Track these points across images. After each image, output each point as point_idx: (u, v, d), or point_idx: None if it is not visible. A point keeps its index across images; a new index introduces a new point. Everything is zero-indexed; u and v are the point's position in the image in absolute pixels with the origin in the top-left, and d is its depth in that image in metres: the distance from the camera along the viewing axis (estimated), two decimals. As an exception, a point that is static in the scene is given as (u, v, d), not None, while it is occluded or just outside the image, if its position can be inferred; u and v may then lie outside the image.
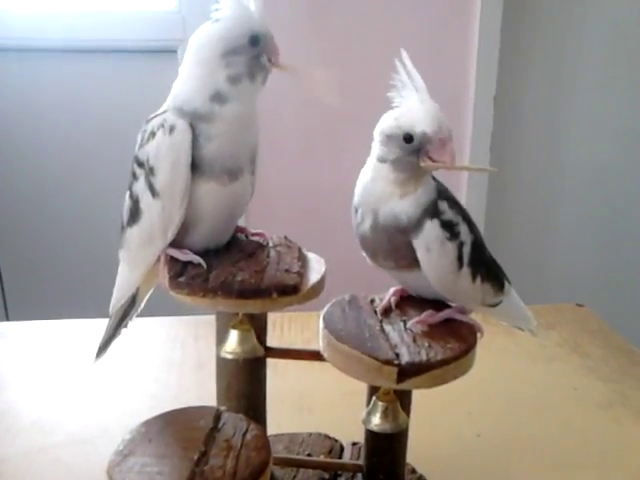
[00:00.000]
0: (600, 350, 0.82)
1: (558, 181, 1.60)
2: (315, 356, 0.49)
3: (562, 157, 1.59)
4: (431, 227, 0.44)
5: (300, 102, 1.32)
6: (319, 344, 0.46)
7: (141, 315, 0.57)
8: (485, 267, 0.47)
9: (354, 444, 0.59)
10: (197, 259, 0.47)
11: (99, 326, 0.56)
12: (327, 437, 0.61)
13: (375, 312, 0.47)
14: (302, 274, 0.47)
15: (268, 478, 0.42)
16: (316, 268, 0.50)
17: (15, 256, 1.49)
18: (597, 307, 0.94)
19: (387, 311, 0.47)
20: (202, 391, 0.69)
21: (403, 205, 0.44)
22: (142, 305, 0.56)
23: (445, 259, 0.44)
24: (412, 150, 0.43)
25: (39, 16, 1.34)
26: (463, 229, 0.45)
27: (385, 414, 0.47)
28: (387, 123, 0.44)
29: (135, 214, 0.48)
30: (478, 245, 0.46)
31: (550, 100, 1.55)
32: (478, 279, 0.46)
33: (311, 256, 0.52)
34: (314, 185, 1.43)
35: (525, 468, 0.61)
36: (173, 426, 0.45)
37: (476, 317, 0.48)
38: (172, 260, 0.48)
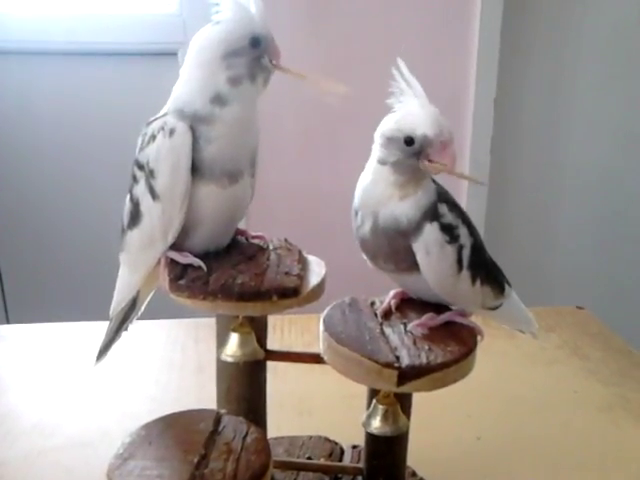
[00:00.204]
0: (600, 353, 0.82)
1: (558, 183, 1.61)
2: (315, 359, 0.49)
3: (562, 159, 1.59)
4: (431, 230, 0.44)
5: (300, 104, 1.32)
6: (319, 347, 0.46)
7: (141, 318, 0.57)
8: (485, 270, 0.47)
9: (354, 447, 0.59)
10: (197, 262, 0.47)
11: (99, 329, 0.56)
12: (327, 440, 0.61)
13: (375, 315, 0.47)
14: (302, 277, 0.47)
15: (268, 481, 0.42)
16: (316, 271, 0.50)
17: (15, 259, 1.49)
18: (597, 309, 0.94)
19: (387, 314, 0.47)
20: (202, 394, 0.69)
21: (403, 208, 0.44)
22: (142, 308, 0.56)
23: (444, 262, 0.44)
24: (413, 152, 0.43)
25: (40, 19, 1.34)
26: (463, 232, 0.45)
27: (385, 417, 0.47)
28: (388, 126, 0.44)
29: (135, 217, 0.48)
30: (478, 248, 0.46)
31: (550, 102, 1.55)
32: (478, 282, 0.46)
33: (311, 259, 0.52)
34: (314, 188, 1.43)
35: (525, 471, 0.61)
36: (173, 429, 0.45)
37: (476, 320, 0.48)
38: (172, 263, 0.48)
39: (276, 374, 0.68)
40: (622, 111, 1.55)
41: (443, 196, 0.46)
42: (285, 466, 0.55)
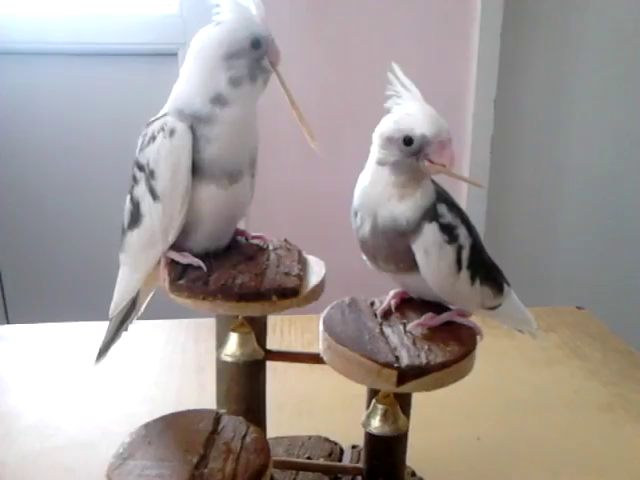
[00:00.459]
0: (600, 353, 0.82)
1: (558, 184, 1.61)
2: (315, 359, 0.49)
3: (562, 160, 1.59)
4: (430, 230, 0.44)
5: (300, 104, 1.32)
6: (319, 347, 0.46)
7: (141, 318, 0.57)
8: (484, 270, 0.47)
9: (354, 447, 0.59)
10: (197, 262, 0.47)
11: (99, 329, 0.56)
12: (327, 440, 0.61)
13: (375, 315, 0.47)
14: (302, 277, 0.48)
15: (268, 481, 0.42)
16: (316, 271, 0.50)
17: (15, 259, 1.49)
18: (597, 310, 0.94)
19: (387, 314, 0.48)
20: (202, 394, 0.69)
21: (402, 208, 0.44)
22: (142, 308, 0.56)
23: (444, 262, 0.44)
24: (411, 152, 0.43)
25: (40, 20, 1.35)
26: (462, 232, 0.45)
27: (385, 417, 0.47)
28: (387, 126, 0.44)
29: (136, 217, 0.49)
30: (477, 248, 0.46)
31: (550, 102, 1.55)
32: (477, 282, 0.46)
33: (311, 259, 0.52)
34: (314, 188, 1.43)
35: (525, 471, 0.61)
36: (173, 429, 0.45)
37: (476, 320, 0.48)
38: (172, 263, 0.48)
39: (276, 374, 0.68)
40: (622, 111, 1.55)
41: (442, 196, 0.46)
42: (285, 466, 0.55)
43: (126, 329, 0.56)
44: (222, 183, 0.47)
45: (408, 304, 0.49)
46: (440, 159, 0.42)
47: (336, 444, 0.61)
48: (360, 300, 0.50)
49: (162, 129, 0.46)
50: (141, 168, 0.47)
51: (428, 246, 0.44)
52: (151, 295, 0.56)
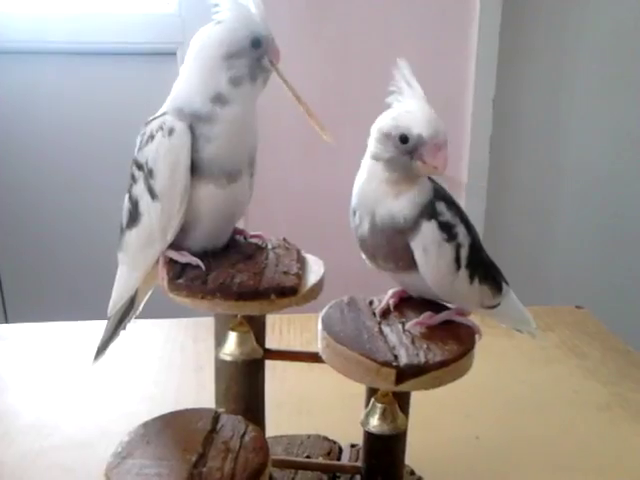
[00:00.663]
0: (599, 352, 0.82)
1: (557, 183, 1.61)
2: (314, 358, 0.49)
3: (561, 159, 1.59)
4: (428, 228, 0.44)
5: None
6: (318, 346, 0.46)
7: (140, 317, 0.57)
8: (483, 269, 0.47)
9: (353, 446, 0.59)
10: (196, 261, 0.47)
11: (98, 328, 0.56)
12: (326, 439, 0.61)
13: (374, 314, 0.47)
14: (300, 276, 0.48)
15: (267, 480, 0.42)
16: (315, 270, 0.50)
17: (14, 258, 1.49)
18: (596, 309, 0.94)
19: (386, 313, 0.48)
20: (201, 393, 0.69)
21: (399, 205, 0.44)
22: (141, 307, 0.56)
23: (442, 261, 0.44)
24: (406, 151, 0.43)
25: (39, 19, 1.34)
26: (461, 231, 0.45)
27: (384, 416, 0.47)
28: (385, 121, 0.44)
29: (134, 216, 0.49)
30: (476, 247, 0.46)
31: (549, 102, 1.55)
32: (476, 281, 0.46)
33: (310, 258, 0.52)
34: (313, 187, 1.43)
35: (524, 470, 0.61)
36: (171, 428, 0.45)
37: (475, 319, 0.48)
38: (171, 262, 0.48)
39: (275, 373, 0.68)
40: (621, 111, 1.55)
41: (440, 194, 0.46)
42: (283, 465, 0.55)
43: (124, 328, 0.56)
44: (221, 182, 0.47)
45: (407, 303, 0.49)
46: (433, 161, 0.42)
47: (335, 443, 0.61)
48: (359, 299, 0.50)
49: (161, 128, 0.46)
50: (140, 167, 0.47)
51: (427, 244, 0.44)
52: (149, 294, 0.56)
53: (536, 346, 0.82)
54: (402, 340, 0.44)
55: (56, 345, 0.83)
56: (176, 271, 0.47)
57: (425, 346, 0.43)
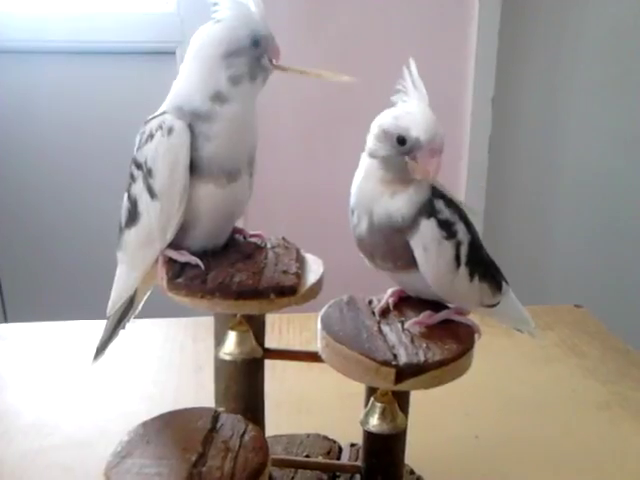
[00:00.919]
0: (598, 351, 0.82)
1: (556, 182, 1.61)
2: (313, 357, 0.49)
3: (560, 158, 1.59)
4: (428, 226, 0.44)
5: (299, 103, 1.32)
6: (317, 345, 0.46)
7: (139, 317, 0.57)
8: (483, 267, 0.47)
9: (352, 445, 0.59)
10: (195, 260, 0.47)
11: (98, 328, 0.56)
12: (325, 438, 0.61)
13: (373, 313, 0.47)
14: (300, 275, 0.47)
15: (266, 479, 0.42)
16: (314, 269, 0.50)
17: (13, 258, 1.49)
18: (595, 308, 0.94)
19: (385, 312, 0.48)
20: (200, 393, 0.69)
21: (397, 204, 0.44)
22: (140, 307, 0.56)
23: (442, 259, 0.44)
24: (402, 152, 0.43)
25: (39, 18, 1.34)
26: (460, 228, 0.45)
27: (383, 415, 0.47)
28: (386, 119, 0.44)
29: (133, 216, 0.48)
30: (475, 245, 0.46)
31: (548, 101, 1.55)
32: (476, 279, 0.46)
33: (309, 257, 0.52)
34: (312, 187, 1.43)
35: (523, 469, 0.61)
36: (171, 427, 0.45)
37: (474, 318, 0.48)
38: (170, 261, 0.48)
39: (274, 372, 0.68)
40: (619, 110, 1.55)
41: (438, 192, 0.46)
42: (283, 464, 0.55)
43: (124, 327, 0.56)
44: (220, 182, 0.47)
45: (406, 302, 0.49)
46: (426, 166, 0.42)
47: (335, 442, 0.61)
48: (358, 298, 0.50)
49: (160, 127, 0.46)
50: (139, 166, 0.47)
51: (427, 242, 0.44)
52: (148, 293, 0.56)
53: (535, 345, 0.82)
54: (401, 339, 0.44)
55: (56, 345, 0.83)
56: (175, 270, 0.47)
57: (424, 345, 0.43)
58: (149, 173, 0.46)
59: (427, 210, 0.44)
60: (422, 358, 0.41)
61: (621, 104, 1.55)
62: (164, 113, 0.47)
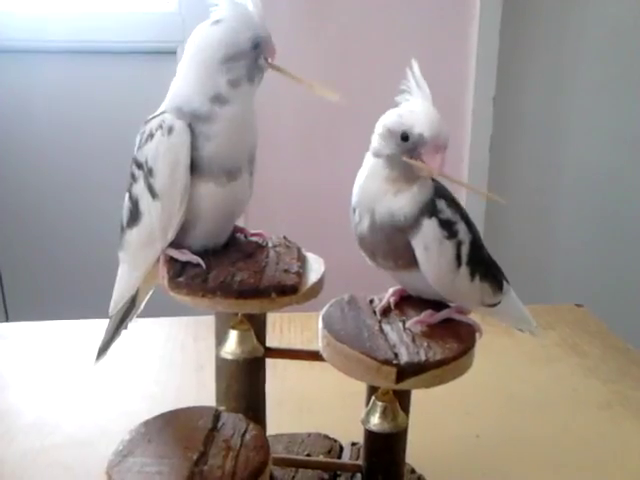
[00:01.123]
0: (599, 350, 0.82)
1: (557, 182, 1.61)
2: (314, 356, 0.49)
3: (562, 158, 1.59)
4: (429, 226, 0.44)
5: (299, 102, 1.32)
6: (318, 344, 0.46)
7: (141, 316, 0.57)
8: (484, 267, 0.47)
9: (353, 444, 0.59)
10: (196, 259, 0.47)
11: (99, 327, 0.56)
12: (326, 437, 0.61)
13: (374, 312, 0.47)
14: (301, 274, 0.48)
15: (267, 478, 0.42)
16: (315, 268, 0.50)
17: (15, 257, 1.49)
18: (596, 307, 0.94)
19: (386, 311, 0.48)
20: (202, 392, 0.69)
21: (399, 203, 0.44)
22: (142, 306, 0.56)
23: (443, 258, 0.44)
24: (406, 149, 0.43)
25: (39, 18, 1.34)
26: (461, 228, 0.45)
27: (384, 414, 0.47)
28: (390, 118, 0.44)
29: (135, 215, 0.48)
30: (476, 244, 0.46)
31: (550, 101, 1.55)
32: (477, 278, 0.46)
33: (310, 256, 0.52)
34: (313, 185, 1.43)
35: (524, 468, 0.61)
36: (172, 426, 0.45)
37: (475, 317, 0.48)
38: (171, 260, 0.48)
39: (275, 371, 0.68)
40: (621, 109, 1.55)
41: (441, 192, 0.46)
42: (284, 463, 0.55)
43: (126, 327, 0.56)
44: (221, 181, 0.47)
45: (407, 301, 0.49)
46: (430, 162, 0.43)
47: (335, 441, 0.61)
48: (359, 298, 0.50)
49: (160, 127, 0.46)
50: (139, 166, 0.47)
51: (428, 242, 0.44)
52: (150, 293, 0.56)
53: (536, 344, 0.82)
54: (402, 338, 0.44)
55: (57, 344, 0.83)
56: (176, 269, 0.47)
57: (425, 344, 0.43)
58: (150, 173, 0.46)
59: (429, 210, 0.44)
60: (423, 357, 0.41)
61: (622, 103, 1.55)
62: (164, 113, 0.47)
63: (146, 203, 0.47)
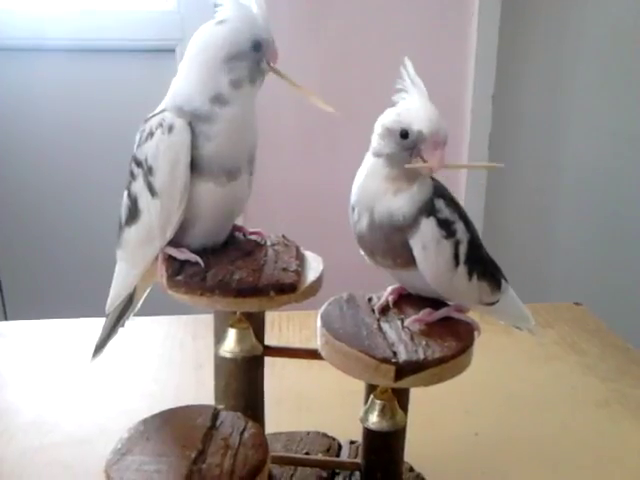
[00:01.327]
0: (598, 349, 0.82)
1: (556, 180, 1.61)
2: (313, 355, 0.49)
3: (561, 156, 1.59)
4: (427, 225, 0.44)
5: (299, 103, 1.32)
6: (317, 343, 0.46)
7: (139, 314, 0.57)
8: (482, 266, 0.47)
9: (352, 442, 0.59)
10: (195, 258, 0.47)
11: (98, 326, 0.56)
12: (325, 435, 0.61)
13: (373, 311, 0.47)
14: (300, 273, 0.48)
15: (266, 476, 0.42)
16: (314, 267, 0.50)
17: (13, 256, 1.49)
18: (595, 306, 0.94)
19: (385, 309, 0.48)
20: (200, 390, 0.69)
21: (398, 203, 0.44)
22: (139, 304, 0.56)
23: (441, 257, 0.44)
24: (406, 147, 0.43)
25: (38, 16, 1.34)
26: (459, 227, 0.45)
27: (383, 412, 0.47)
28: (389, 117, 0.44)
29: (134, 213, 0.48)
30: (475, 244, 0.46)
31: (548, 99, 1.55)
32: (474, 277, 0.46)
33: (309, 255, 0.52)
34: (312, 185, 1.43)
35: (522, 466, 0.61)
36: (171, 424, 0.45)
37: (474, 316, 0.48)
38: (170, 259, 0.48)
39: (274, 370, 0.69)
40: (620, 108, 1.55)
41: (440, 191, 0.46)
42: (283, 461, 0.56)
43: (123, 325, 0.56)
44: (220, 180, 0.47)
45: (406, 300, 0.49)
46: (430, 158, 0.43)
47: (334, 439, 0.61)
48: (358, 296, 0.50)
49: (160, 125, 0.46)
50: (139, 164, 0.47)
51: (426, 241, 0.44)
52: (148, 291, 0.56)
53: (535, 343, 0.82)
54: (401, 337, 0.44)
55: (55, 342, 0.83)
56: (175, 268, 0.47)
57: (424, 343, 0.43)
58: (149, 171, 0.46)
59: (427, 209, 0.44)
60: (422, 355, 0.42)
61: (621, 102, 1.55)
62: (164, 111, 0.47)
63: (145, 201, 0.47)
